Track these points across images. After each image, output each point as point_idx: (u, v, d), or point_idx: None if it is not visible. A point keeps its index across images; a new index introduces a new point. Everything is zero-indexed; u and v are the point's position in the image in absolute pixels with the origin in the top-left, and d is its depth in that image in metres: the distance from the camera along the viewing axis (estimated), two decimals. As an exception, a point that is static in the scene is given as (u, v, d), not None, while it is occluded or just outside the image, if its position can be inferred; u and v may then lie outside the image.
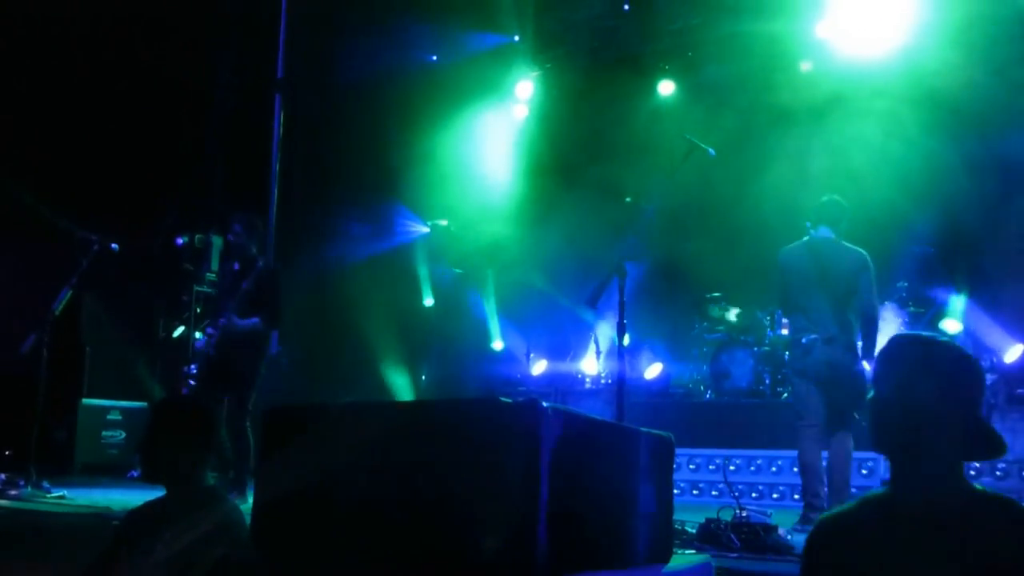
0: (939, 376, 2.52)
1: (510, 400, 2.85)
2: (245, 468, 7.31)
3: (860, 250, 6.86)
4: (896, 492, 2.55)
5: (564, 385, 11.77)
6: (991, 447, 2.55)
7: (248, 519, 3.46)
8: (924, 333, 2.67)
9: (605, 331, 11.42)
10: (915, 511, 2.48)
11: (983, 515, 2.44)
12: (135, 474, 9.88)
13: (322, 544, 3.07)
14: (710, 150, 6.20)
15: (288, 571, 3.07)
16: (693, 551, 4.78)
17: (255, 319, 7.61)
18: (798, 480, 7.16)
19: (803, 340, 6.76)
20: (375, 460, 3.02)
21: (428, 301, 13.36)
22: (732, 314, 10.99)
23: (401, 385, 12.42)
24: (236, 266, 7.80)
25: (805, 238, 7.01)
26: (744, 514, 5.23)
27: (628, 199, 10.45)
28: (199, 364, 7.81)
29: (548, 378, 12.27)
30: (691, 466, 9.08)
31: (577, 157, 11.88)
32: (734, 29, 10.96)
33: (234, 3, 12.69)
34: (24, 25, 10.82)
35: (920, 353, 2.57)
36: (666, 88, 12.32)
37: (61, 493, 7.12)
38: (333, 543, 3.04)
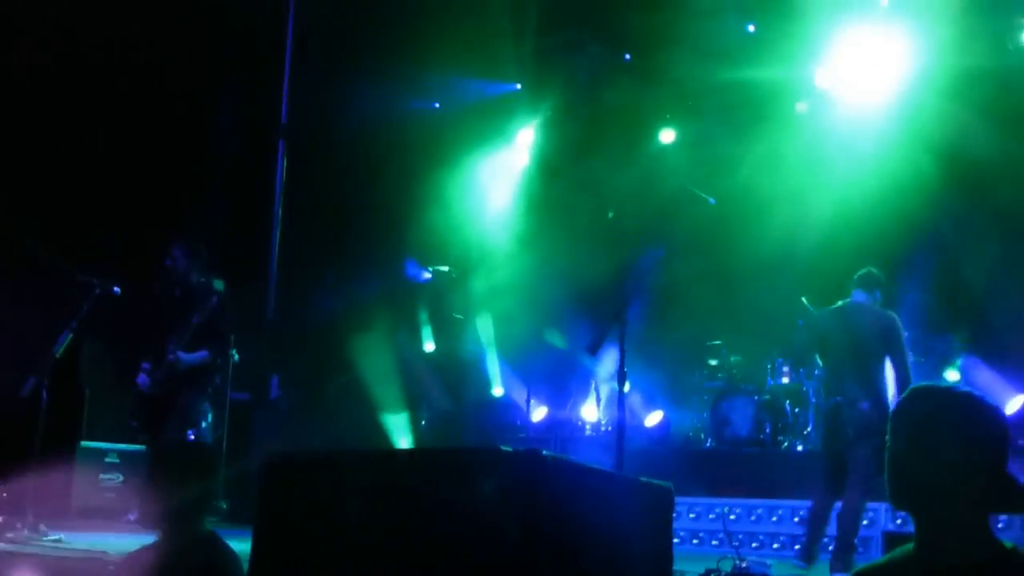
0: (956, 427, 2.37)
1: (510, 449, 2.86)
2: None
3: (890, 313, 7.15)
4: (921, 552, 2.40)
5: (564, 432, 11.73)
6: (1018, 501, 2.38)
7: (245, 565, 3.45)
8: (940, 383, 2.54)
9: (605, 378, 11.40)
10: (942, 573, 2.34)
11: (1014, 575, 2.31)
12: (132, 517, 9.82)
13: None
14: (710, 199, 6.26)
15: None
16: (692, 602, 4.76)
17: (203, 352, 7.35)
18: (799, 530, 7.20)
19: (829, 402, 7.07)
20: (374, 508, 3.02)
21: (429, 346, 13.36)
22: (732, 361, 10.98)
23: (400, 431, 12.39)
24: (176, 294, 7.53)
25: (840, 303, 7.32)
26: (744, 564, 5.22)
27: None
28: (137, 404, 7.57)
29: (548, 425, 12.23)
30: (691, 515, 9.03)
31: (578, 204, 11.91)
32: (733, 76, 11.04)
33: (237, 49, 12.79)
34: (26, 70, 10.91)
35: (934, 404, 2.43)
36: (667, 136, 12.39)
37: (58, 536, 7.08)
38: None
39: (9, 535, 7.15)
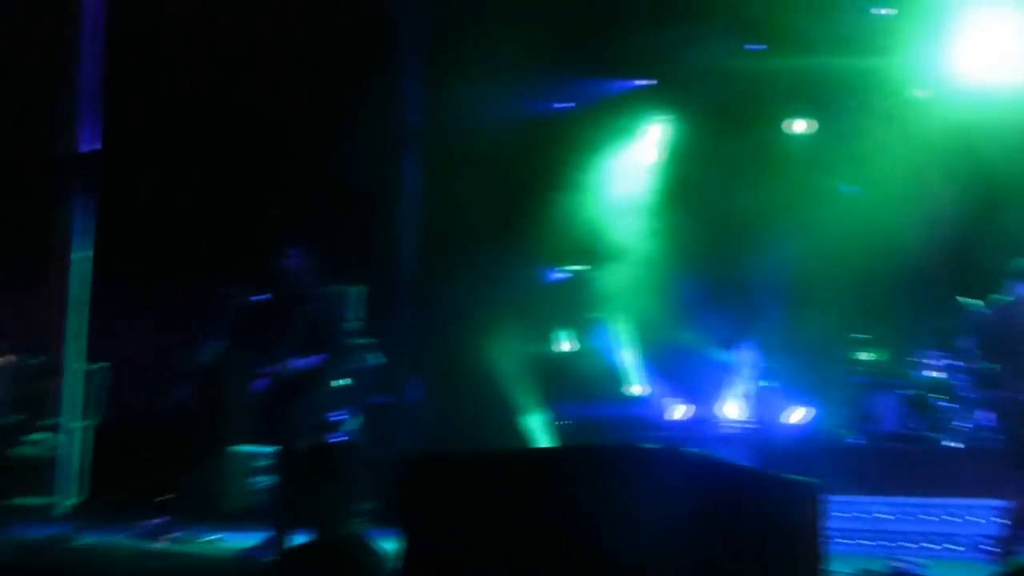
0: None
1: (651, 446, 2.84)
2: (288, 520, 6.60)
3: None
4: None
5: (703, 430, 11.57)
6: None
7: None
8: None
9: (747, 374, 11.21)
10: None
11: None
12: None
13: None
14: (852, 188, 6.10)
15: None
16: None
17: (317, 357, 7.13)
18: (951, 529, 7.02)
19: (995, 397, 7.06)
20: (516, 507, 3.04)
21: (565, 346, 13.35)
22: (876, 355, 10.67)
23: (538, 431, 12.42)
24: (288, 297, 7.31)
25: (1002, 297, 7.21)
26: (897, 565, 5.06)
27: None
28: (259, 410, 7.39)
29: (687, 423, 12.08)
30: (838, 513, 8.79)
31: (711, 197, 11.75)
32: (863, 63, 10.75)
33: (365, 56, 13.01)
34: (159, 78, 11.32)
35: None
36: (799, 126, 12.12)
37: (215, 536, 7.34)
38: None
39: (172, 535, 7.46)
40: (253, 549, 6.61)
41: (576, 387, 12.81)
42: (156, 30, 10.93)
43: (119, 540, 7.30)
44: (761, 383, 5.66)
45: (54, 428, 10.41)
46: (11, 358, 10.23)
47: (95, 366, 10.96)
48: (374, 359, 12.41)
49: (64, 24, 10.37)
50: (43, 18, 10.31)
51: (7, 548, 5.55)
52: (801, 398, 11.17)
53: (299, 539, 5.24)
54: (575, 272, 13.33)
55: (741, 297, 7.21)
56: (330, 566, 3.91)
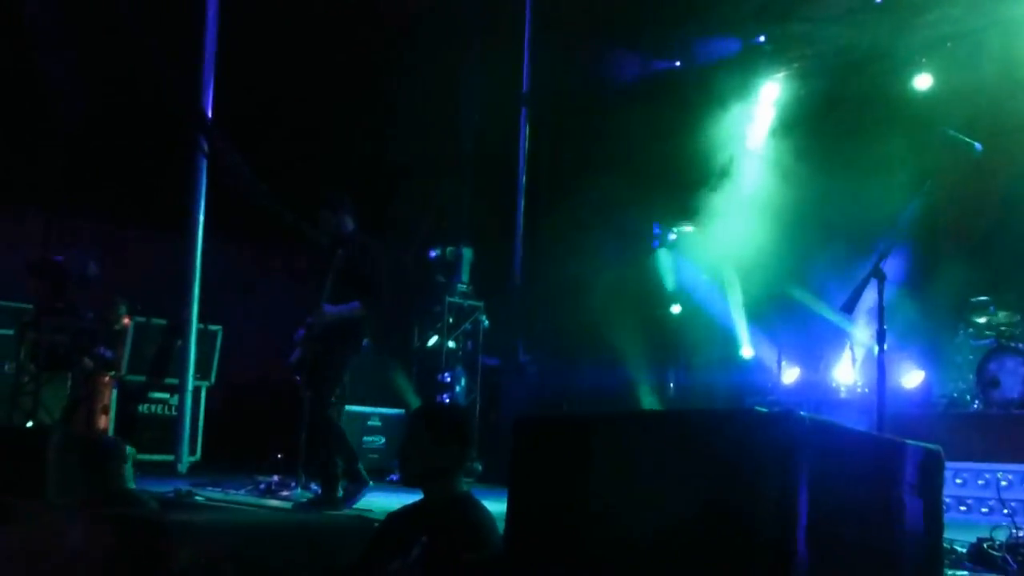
0: None
1: (766, 410, 2.77)
2: (332, 465, 6.81)
3: None
4: None
5: (817, 394, 11.36)
6: None
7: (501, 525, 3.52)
8: None
9: (861, 338, 10.95)
10: None
11: None
12: (394, 478, 10.28)
13: (574, 553, 3.07)
14: (976, 144, 5.85)
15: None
16: (965, 573, 4.50)
17: (354, 303, 6.91)
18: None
19: None
20: (626, 471, 3.00)
21: (675, 308, 13.23)
22: (1001, 319, 10.30)
23: (648, 394, 12.36)
24: (328, 246, 7.18)
25: None
26: (1021, 534, 4.89)
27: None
28: (298, 360, 7.21)
29: (800, 387, 11.89)
30: (957, 480, 8.55)
31: (828, 156, 11.45)
32: (996, 16, 10.31)
33: (478, 19, 13.01)
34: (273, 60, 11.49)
35: None
36: (923, 82, 11.71)
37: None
38: (584, 552, 3.04)
39: (284, 493, 7.63)
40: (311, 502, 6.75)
41: (687, 349, 12.70)
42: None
43: (236, 496, 7.49)
44: (880, 346, 5.48)
45: (175, 388, 10.72)
46: (127, 322, 10.57)
47: (210, 328, 11.25)
48: (484, 321, 12.54)
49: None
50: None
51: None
52: (920, 362, 10.88)
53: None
54: (686, 233, 13.16)
55: (859, 257, 6.99)
56: (439, 525, 3.93)
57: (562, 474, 3.22)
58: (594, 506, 3.05)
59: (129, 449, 5.99)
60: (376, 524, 4.72)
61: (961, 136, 5.82)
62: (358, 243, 7.10)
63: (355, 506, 6.78)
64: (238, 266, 12.31)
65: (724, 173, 12.75)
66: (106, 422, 10.25)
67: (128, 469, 5.91)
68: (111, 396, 10.40)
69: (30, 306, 9.98)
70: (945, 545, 4.72)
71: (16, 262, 10.27)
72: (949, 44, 11.45)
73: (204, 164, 10.35)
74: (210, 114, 10.48)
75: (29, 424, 9.15)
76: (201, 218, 10.38)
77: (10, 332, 10.36)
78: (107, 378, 10.30)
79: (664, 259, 13.33)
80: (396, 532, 4.15)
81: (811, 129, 12.22)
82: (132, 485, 5.94)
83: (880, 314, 5.40)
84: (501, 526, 3.55)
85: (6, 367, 10.54)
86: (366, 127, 12.06)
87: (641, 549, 2.89)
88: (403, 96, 12.06)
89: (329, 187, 7.55)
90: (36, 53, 9.75)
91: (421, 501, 4.19)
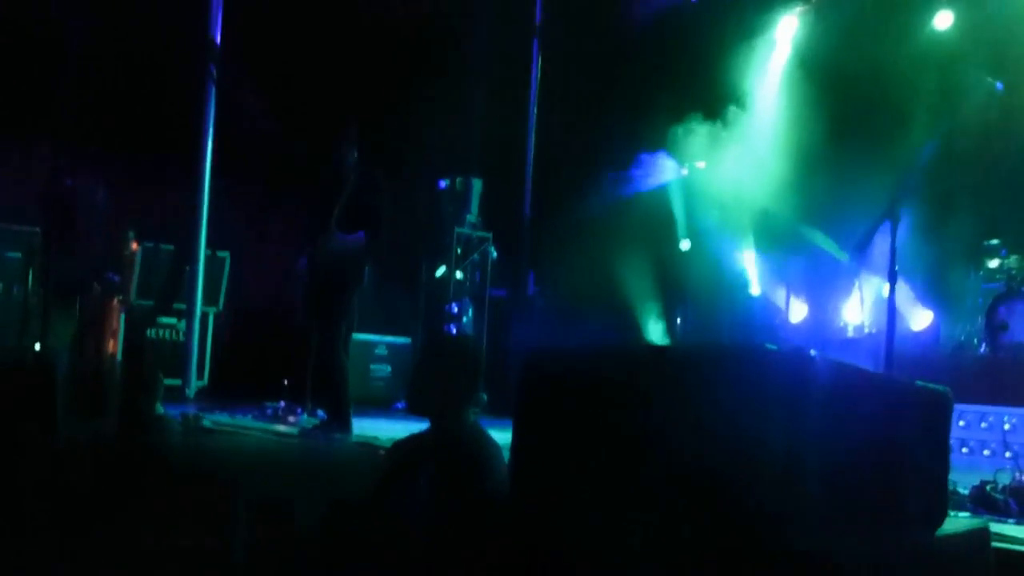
0: None
1: (775, 348, 2.75)
2: (342, 400, 6.86)
3: None
4: None
5: (825, 334, 11.36)
6: None
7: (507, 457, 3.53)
8: None
9: (870, 278, 10.91)
10: None
11: None
12: (400, 406, 10.34)
13: (579, 488, 3.07)
14: (997, 83, 5.76)
15: (545, 511, 3.10)
16: (967, 514, 4.52)
17: (359, 233, 6.89)
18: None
19: None
20: (634, 407, 2.99)
21: (684, 245, 13.18)
22: (1012, 263, 10.25)
23: (656, 329, 12.37)
24: (333, 177, 7.10)
25: None
26: (1024, 477, 4.90)
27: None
28: (302, 292, 7.24)
29: (808, 326, 11.89)
30: (960, 422, 8.56)
31: (845, 95, 11.32)
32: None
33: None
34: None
35: None
36: (943, 21, 11.51)
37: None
38: (590, 488, 3.04)
39: (290, 419, 7.69)
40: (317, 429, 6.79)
41: (695, 286, 12.68)
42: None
43: (243, 421, 7.54)
44: (891, 287, 5.45)
45: (183, 314, 10.76)
46: (136, 247, 10.57)
47: (217, 254, 11.26)
48: (493, 253, 12.52)
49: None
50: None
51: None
52: (929, 304, 10.86)
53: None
54: (697, 169, 13.06)
55: (872, 197, 6.93)
56: (446, 454, 3.95)
57: (569, 410, 3.21)
58: (599, 443, 3.04)
59: (157, 375, 6.03)
60: (382, 451, 4.75)
61: (982, 75, 5.73)
62: (362, 173, 7.05)
63: (361, 433, 6.82)
64: (246, 193, 12.26)
65: (738, 109, 12.62)
66: (115, 347, 10.29)
67: (153, 395, 5.94)
68: (119, 321, 10.43)
69: (37, 229, 9.97)
70: (952, 488, 4.74)
71: (25, 188, 10.24)
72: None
73: (212, 90, 10.27)
74: (218, 40, 10.39)
75: (38, 347, 9.19)
76: (209, 144, 10.34)
77: (18, 255, 10.37)
78: (115, 303, 10.32)
79: (675, 195, 13.24)
80: (402, 462, 4.17)
81: (828, 66, 12.05)
82: (160, 411, 5.98)
83: (892, 256, 5.37)
84: (507, 457, 3.56)
85: (15, 291, 10.57)
86: (374, 55, 11.93)
87: (646, 488, 2.89)
88: (413, 24, 11.92)
89: (336, 116, 7.47)
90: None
91: (428, 431, 4.20)
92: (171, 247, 11.02)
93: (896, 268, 5.39)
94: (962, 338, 10.57)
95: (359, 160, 7.21)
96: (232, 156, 10.78)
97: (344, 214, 6.92)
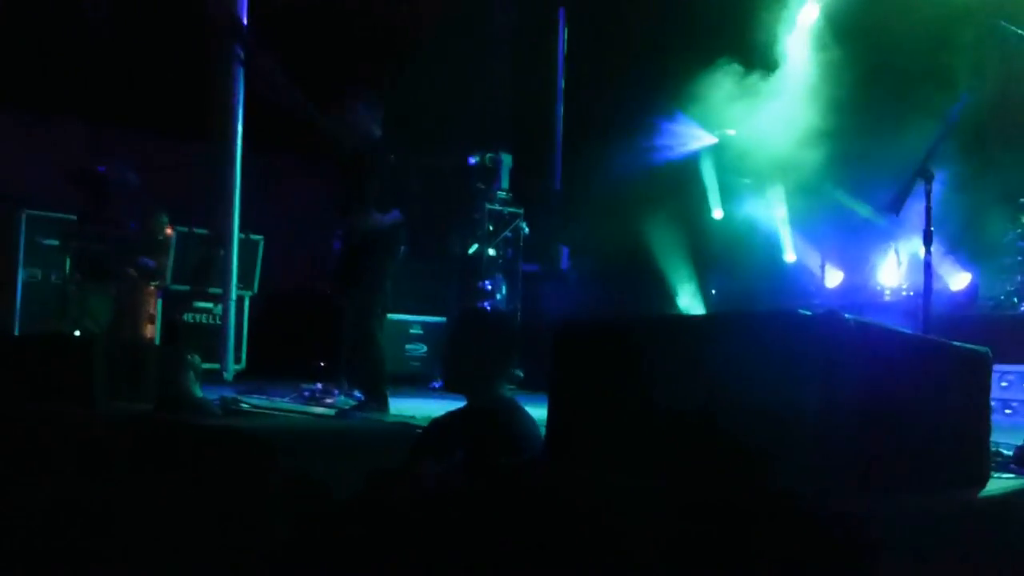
0: None
1: (809, 312, 2.72)
2: (378, 379, 6.85)
3: None
4: None
5: (862, 298, 11.26)
6: None
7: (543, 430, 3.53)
8: None
9: (906, 240, 10.80)
10: None
11: None
12: (437, 385, 10.36)
13: (615, 457, 3.07)
14: (1030, 36, 5.66)
15: (581, 482, 3.10)
16: (1011, 475, 4.46)
17: (394, 212, 6.85)
18: None
19: None
20: (667, 374, 2.98)
21: (717, 213, 13.09)
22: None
23: (691, 299, 12.31)
24: (356, 151, 7.00)
25: None
26: (1067, 436, 4.83)
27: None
28: (333, 269, 7.17)
29: (844, 291, 11.78)
30: (1003, 383, 8.48)
31: (876, 54, 11.16)
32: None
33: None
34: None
35: None
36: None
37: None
38: (625, 456, 3.03)
39: (328, 401, 7.72)
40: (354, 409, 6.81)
41: (729, 254, 12.59)
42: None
43: (281, 404, 7.58)
44: (927, 248, 5.39)
45: (219, 298, 10.83)
46: (170, 232, 10.63)
47: (251, 237, 11.31)
48: (524, 227, 12.49)
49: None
50: None
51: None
52: (966, 264, 10.73)
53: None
54: (727, 136, 12.95)
55: (906, 157, 6.83)
56: (482, 430, 3.96)
57: (603, 379, 3.20)
58: (634, 411, 3.03)
59: (194, 358, 6.07)
60: (419, 430, 4.76)
61: (1014, 27, 5.62)
62: (390, 150, 6.99)
63: (398, 412, 6.84)
64: (280, 175, 12.31)
65: (768, 73, 12.48)
66: (152, 331, 10.39)
67: (192, 376, 5.99)
68: (156, 305, 10.51)
69: (73, 217, 10.06)
70: (991, 448, 4.68)
71: (58, 173, 10.33)
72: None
73: (241, 72, 10.28)
74: (245, 21, 10.39)
75: (76, 333, 9.29)
76: (239, 127, 10.35)
77: (55, 243, 10.47)
78: (151, 287, 10.40)
79: (706, 163, 13.14)
80: (439, 437, 4.18)
81: (856, 25, 11.89)
82: (200, 393, 6.03)
83: (928, 215, 5.30)
84: (543, 432, 3.56)
85: (52, 277, 10.68)
86: (402, 34, 11.91)
87: (681, 453, 2.88)
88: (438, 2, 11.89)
89: (364, 89, 7.43)
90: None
91: (464, 407, 4.21)
92: (204, 231, 11.08)
93: (931, 228, 5.32)
94: (1001, 297, 10.44)
95: (385, 137, 7.18)
96: (265, 137, 10.81)
97: (375, 190, 6.86)
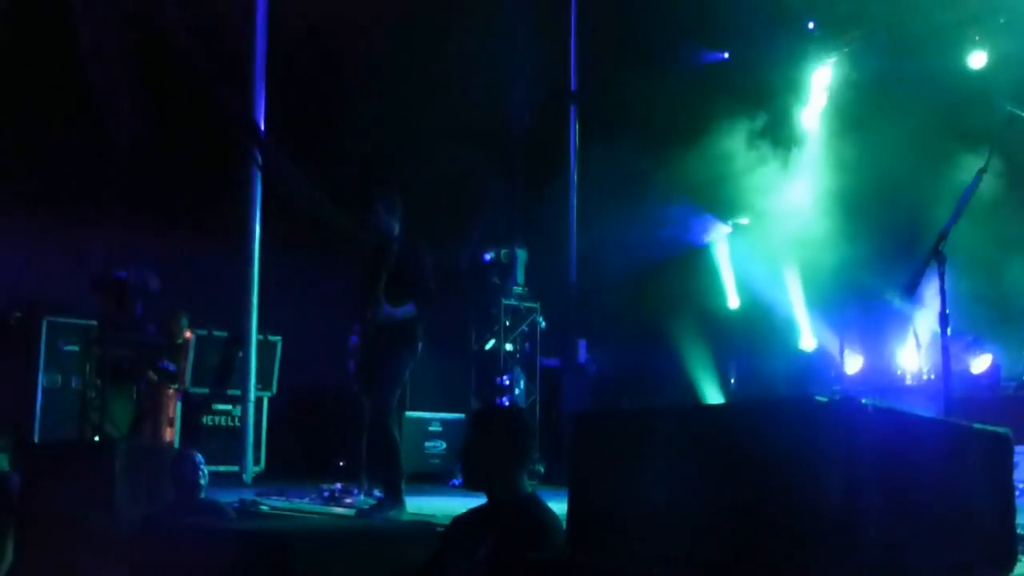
0: None
1: (826, 399, 2.72)
2: (395, 476, 6.77)
3: None
4: None
5: (882, 382, 11.19)
6: None
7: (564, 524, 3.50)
8: None
9: (924, 322, 10.76)
10: None
11: None
12: (457, 482, 10.29)
13: (637, 548, 3.04)
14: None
15: (602, 566, 3.06)
16: (1041, 558, 4.38)
17: (408, 305, 6.86)
18: None
19: None
20: (686, 465, 2.96)
21: (733, 302, 13.11)
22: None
23: (709, 388, 12.26)
24: (377, 251, 7.05)
25: None
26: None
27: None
28: (356, 367, 7.22)
29: (864, 376, 11.72)
30: (1030, 465, 8.36)
31: (884, 139, 11.28)
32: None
33: (525, 22, 13.02)
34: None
35: None
36: (977, 61, 11.49)
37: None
38: (647, 547, 3.01)
39: (347, 500, 7.67)
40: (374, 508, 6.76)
41: (747, 342, 12.58)
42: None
43: (300, 504, 7.54)
44: (943, 330, 5.38)
45: (238, 399, 10.84)
46: (189, 335, 10.69)
47: (269, 338, 11.35)
48: (541, 322, 12.52)
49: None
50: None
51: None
52: (987, 345, 10.66)
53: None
54: (741, 225, 13.05)
55: (921, 239, 6.85)
56: (504, 526, 3.92)
57: (622, 470, 3.19)
58: (654, 501, 3.01)
59: (199, 459, 6.07)
60: (440, 529, 4.72)
61: (1020, 111, 5.69)
62: (407, 245, 7.03)
63: (418, 510, 6.79)
64: (296, 276, 12.41)
65: (780, 162, 12.62)
66: (172, 434, 10.39)
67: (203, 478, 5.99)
68: (176, 408, 10.53)
69: (95, 323, 10.15)
70: (1021, 531, 4.61)
71: (79, 279, 10.45)
72: (1002, 20, 11.23)
73: (258, 175, 10.45)
74: (262, 126, 10.59)
75: (96, 438, 9.31)
76: (257, 229, 10.47)
77: (76, 348, 10.55)
78: (171, 391, 10.44)
79: (720, 252, 13.21)
80: (462, 535, 4.14)
81: (865, 113, 12.05)
82: (203, 495, 6.02)
83: (943, 297, 5.29)
84: (564, 526, 3.53)
85: (73, 383, 10.73)
86: (417, 132, 12.10)
87: (702, 545, 2.85)
88: (453, 99, 12.09)
89: (381, 187, 7.52)
90: (90, 72, 9.89)
91: (486, 504, 4.18)
92: (224, 333, 11.14)
93: (948, 310, 5.32)
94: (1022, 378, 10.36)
95: (403, 233, 7.24)
96: (283, 239, 10.93)
97: (392, 287, 6.87)
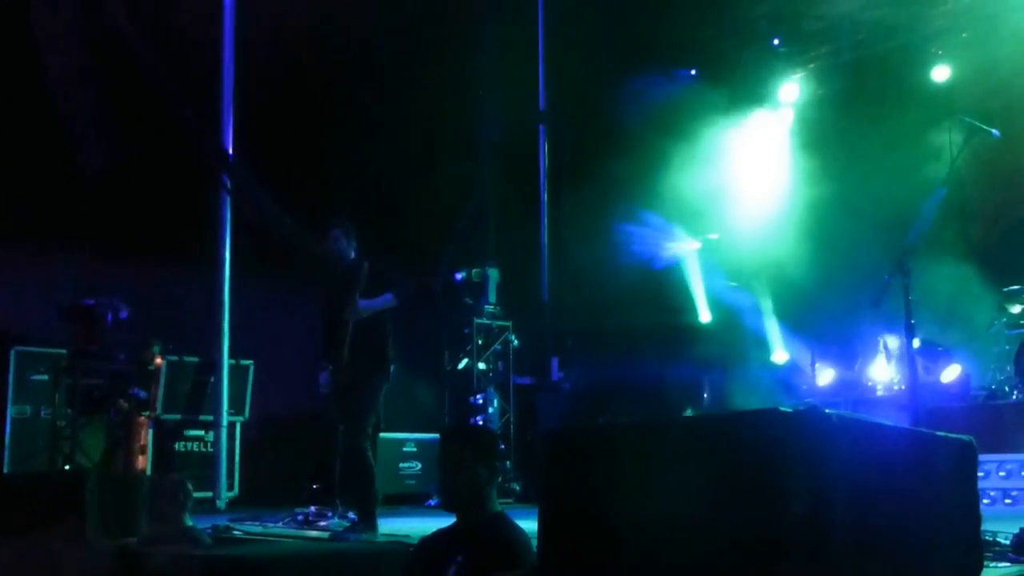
0: None
1: (790, 409, 2.74)
2: (370, 499, 6.79)
3: None
4: None
5: (854, 394, 11.26)
6: None
7: (534, 543, 3.51)
8: None
9: (893, 334, 10.85)
10: None
11: None
12: (433, 503, 10.26)
13: (608, 564, 3.05)
14: (993, 131, 5.81)
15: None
16: (1008, 564, 4.43)
17: (386, 295, 6.91)
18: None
19: None
20: (656, 479, 2.98)
21: (704, 317, 13.17)
22: (1035, 308, 10.19)
23: (684, 403, 12.29)
24: (335, 279, 7.16)
25: None
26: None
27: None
28: (331, 394, 7.18)
29: (836, 388, 11.79)
30: (1000, 473, 8.42)
31: (850, 154, 11.41)
32: (1011, 2, 10.23)
33: (494, 42, 13.08)
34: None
35: None
36: (941, 74, 11.64)
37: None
38: (618, 563, 3.02)
39: (321, 524, 7.64)
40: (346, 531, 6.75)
41: (718, 357, 12.63)
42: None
43: (275, 529, 7.50)
44: (909, 341, 5.43)
45: (210, 425, 10.77)
46: (160, 362, 10.62)
47: (241, 363, 11.30)
48: (514, 341, 12.53)
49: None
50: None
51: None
52: (956, 355, 10.75)
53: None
54: (711, 240, 13.11)
55: (888, 252, 6.93)
56: (472, 545, 3.92)
57: (593, 485, 3.20)
58: (626, 516, 3.03)
59: (187, 488, 6.03)
60: (412, 549, 4.71)
61: (978, 123, 5.77)
62: (368, 262, 7.04)
63: (393, 531, 6.77)
64: (268, 300, 12.36)
65: (746, 178, 12.71)
66: (144, 462, 10.30)
67: (183, 505, 5.94)
68: (147, 436, 10.45)
69: (64, 352, 10.06)
70: (988, 537, 4.65)
71: (48, 308, 10.36)
72: (965, 34, 11.39)
73: (228, 201, 10.44)
74: (231, 150, 10.58)
75: (68, 468, 9.22)
76: (227, 254, 10.46)
77: (45, 378, 10.44)
78: (142, 418, 10.36)
79: (691, 267, 13.27)
80: (430, 555, 4.14)
81: (831, 128, 12.18)
82: (190, 523, 5.97)
83: (907, 308, 5.35)
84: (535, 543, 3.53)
85: (43, 413, 10.62)
86: (386, 154, 12.11)
87: (674, 557, 2.86)
88: (422, 120, 12.11)
89: (336, 213, 7.58)
90: (59, 99, 9.85)
91: (453, 524, 4.17)
92: (195, 359, 11.07)
93: (913, 321, 5.37)
94: (993, 387, 10.45)
95: (360, 257, 7.26)
96: (253, 263, 10.90)
97: (366, 296, 6.89)
